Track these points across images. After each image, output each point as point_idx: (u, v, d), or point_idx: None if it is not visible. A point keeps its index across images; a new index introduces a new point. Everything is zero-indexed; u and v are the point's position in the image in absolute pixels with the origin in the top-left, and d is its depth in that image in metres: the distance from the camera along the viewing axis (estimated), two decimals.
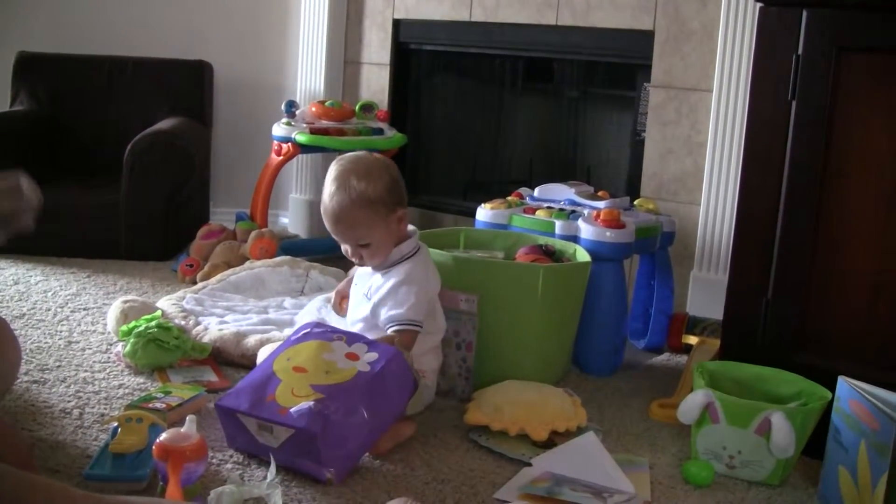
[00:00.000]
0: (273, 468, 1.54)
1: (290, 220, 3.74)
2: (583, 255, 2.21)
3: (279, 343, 1.88)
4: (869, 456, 1.52)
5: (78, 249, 3.02)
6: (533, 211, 2.41)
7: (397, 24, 3.40)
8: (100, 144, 3.43)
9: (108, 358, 2.15)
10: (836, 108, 1.78)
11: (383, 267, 1.92)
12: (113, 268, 2.94)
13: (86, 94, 3.48)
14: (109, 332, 2.30)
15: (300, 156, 3.34)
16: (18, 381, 1.91)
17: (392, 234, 1.90)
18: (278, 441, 1.60)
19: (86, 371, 2.06)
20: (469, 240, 2.40)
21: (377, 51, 3.46)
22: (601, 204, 2.41)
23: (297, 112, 3.24)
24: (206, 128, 3.52)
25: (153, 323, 2.10)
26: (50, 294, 2.62)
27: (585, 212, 2.36)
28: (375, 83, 3.48)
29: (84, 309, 2.51)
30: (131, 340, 2.07)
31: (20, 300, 2.55)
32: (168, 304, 2.40)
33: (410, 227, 1.98)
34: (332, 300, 2.12)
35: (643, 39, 2.78)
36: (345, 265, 2.81)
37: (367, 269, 1.96)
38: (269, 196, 3.19)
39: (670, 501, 1.65)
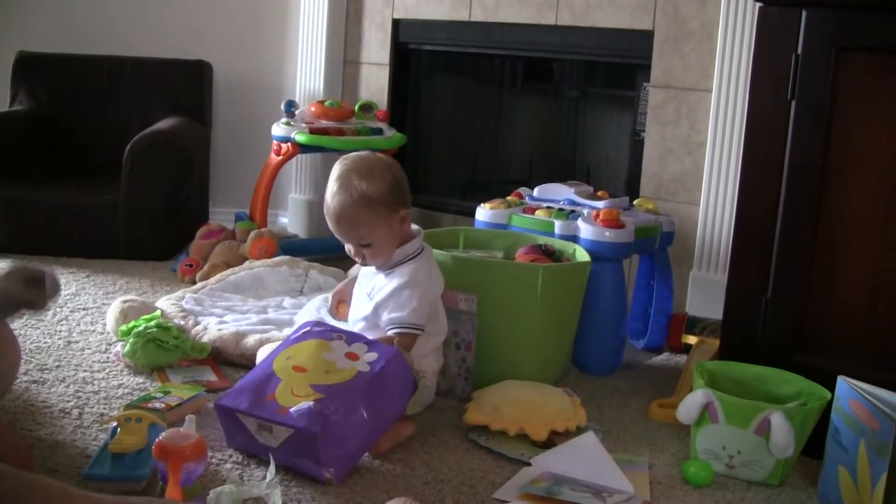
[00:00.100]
0: (272, 468, 1.54)
1: (290, 220, 3.74)
2: (582, 255, 2.21)
3: (278, 343, 1.88)
4: (868, 456, 1.52)
5: (77, 249, 3.02)
6: (532, 211, 2.41)
7: (397, 23, 3.40)
8: (99, 144, 3.43)
9: (108, 358, 2.15)
10: (836, 107, 1.78)
11: (386, 267, 1.92)
12: (112, 267, 2.94)
13: (85, 94, 3.48)
14: (109, 332, 2.30)
15: (299, 156, 3.34)
16: (18, 380, 1.91)
17: (394, 235, 1.89)
18: (278, 441, 1.60)
19: (85, 371, 2.06)
20: (468, 240, 2.40)
21: (376, 51, 3.46)
22: (600, 204, 2.41)
23: (297, 112, 3.24)
24: (205, 128, 3.52)
25: (152, 323, 2.10)
26: None
27: (585, 212, 2.36)
28: (375, 83, 3.48)
29: (83, 309, 2.51)
30: (130, 340, 2.07)
31: None
32: (167, 303, 2.40)
33: (415, 227, 1.97)
34: (329, 303, 2.12)
35: (643, 39, 2.78)
36: (344, 265, 2.82)
37: (371, 269, 1.96)
38: (268, 196, 3.19)
39: (669, 501, 1.65)
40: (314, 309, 2.27)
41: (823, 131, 1.79)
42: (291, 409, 1.58)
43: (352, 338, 1.77)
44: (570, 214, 2.35)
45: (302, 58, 3.58)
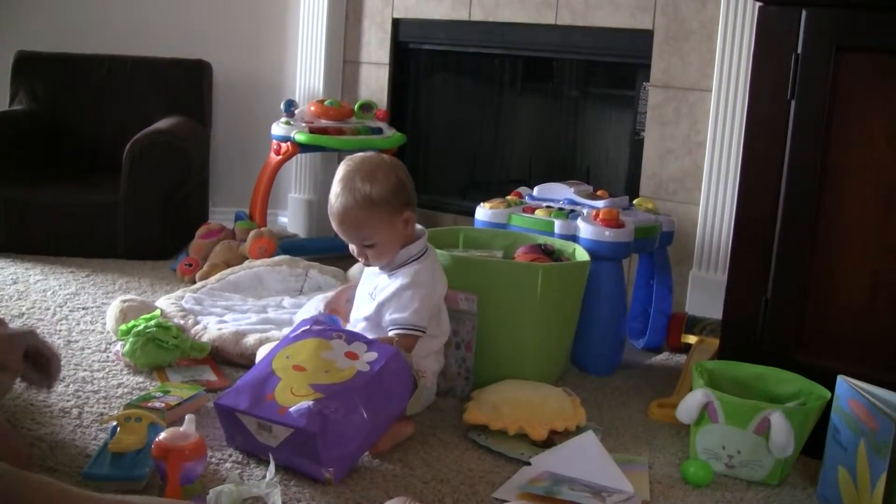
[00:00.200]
0: (272, 467, 1.54)
1: (290, 220, 3.74)
2: (582, 255, 2.21)
3: (278, 342, 1.88)
4: (868, 455, 1.52)
5: (77, 248, 3.02)
6: (532, 210, 2.41)
7: (396, 23, 3.40)
8: (99, 143, 3.43)
9: (107, 357, 2.15)
10: (836, 107, 1.78)
11: (390, 268, 1.92)
12: (112, 267, 2.94)
13: (85, 94, 3.48)
14: (108, 332, 2.30)
15: (299, 155, 3.34)
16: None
17: (398, 236, 1.89)
18: (277, 440, 1.59)
19: (85, 370, 2.06)
20: (468, 239, 2.40)
21: (376, 50, 3.46)
22: (600, 203, 2.41)
23: (297, 111, 3.24)
24: (205, 127, 3.52)
25: (152, 322, 2.10)
26: (49, 293, 2.62)
27: (584, 211, 2.36)
28: (374, 82, 3.48)
29: (83, 308, 2.50)
30: (130, 340, 2.07)
31: (19, 299, 2.54)
32: (167, 303, 2.40)
33: (419, 228, 1.97)
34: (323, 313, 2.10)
35: (642, 39, 2.78)
36: (344, 265, 2.82)
37: (375, 269, 1.96)
38: (268, 195, 3.19)
39: (669, 501, 1.65)
40: (313, 308, 2.26)
41: (823, 131, 1.79)
42: (291, 409, 1.58)
43: (351, 337, 1.76)
44: (570, 214, 2.35)
45: (302, 57, 3.58)
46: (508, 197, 2.53)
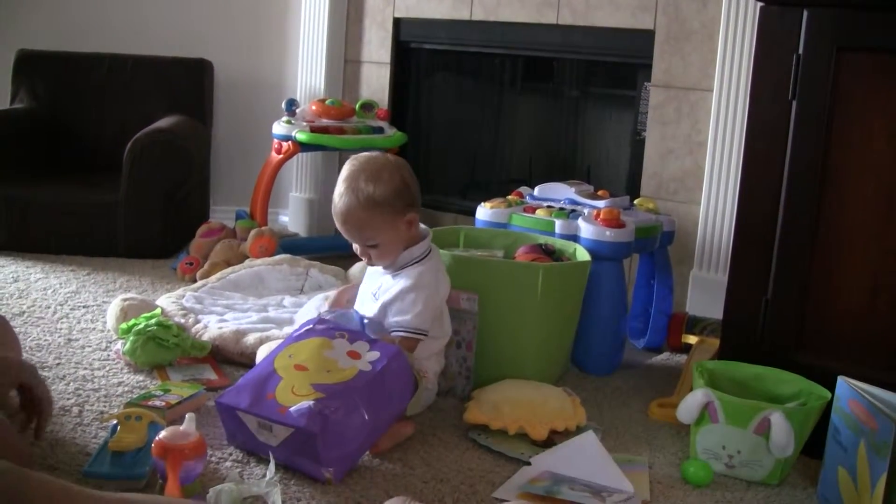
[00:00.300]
0: (272, 466, 1.54)
1: (290, 219, 3.74)
2: (582, 255, 2.21)
3: (278, 341, 1.88)
4: (868, 456, 1.52)
5: (77, 247, 3.02)
6: (533, 210, 2.41)
7: (398, 22, 3.40)
8: (99, 142, 3.43)
9: (108, 356, 2.15)
10: (837, 107, 1.78)
11: (393, 269, 1.92)
12: (112, 266, 2.94)
13: (86, 93, 3.48)
14: (109, 330, 2.30)
15: (300, 154, 3.34)
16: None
17: (400, 237, 1.89)
18: (278, 440, 1.60)
19: (85, 369, 2.06)
20: (469, 239, 2.40)
21: (377, 49, 3.46)
22: (601, 203, 2.41)
23: (298, 110, 3.24)
24: (205, 126, 3.52)
25: (153, 321, 2.10)
26: (50, 292, 2.62)
27: (585, 211, 2.36)
28: (376, 82, 3.48)
29: (84, 307, 2.51)
30: (131, 338, 2.07)
31: (20, 298, 2.55)
32: (168, 302, 2.40)
33: (424, 229, 1.97)
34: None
35: (643, 39, 2.78)
36: (345, 264, 2.82)
37: (378, 269, 1.96)
38: (268, 194, 3.19)
39: (669, 501, 1.65)
40: (314, 308, 2.26)
41: (824, 131, 1.79)
42: (291, 409, 1.58)
43: (354, 336, 1.76)
44: (571, 214, 2.35)
45: (303, 56, 3.58)
46: (509, 197, 2.53)
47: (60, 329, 2.31)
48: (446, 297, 1.96)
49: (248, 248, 2.91)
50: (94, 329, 2.33)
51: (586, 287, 2.21)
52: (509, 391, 1.90)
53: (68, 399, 1.88)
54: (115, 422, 1.63)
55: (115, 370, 2.07)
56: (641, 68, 2.86)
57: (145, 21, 3.67)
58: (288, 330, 2.13)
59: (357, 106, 3.28)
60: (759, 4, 1.85)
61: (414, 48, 3.44)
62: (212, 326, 2.24)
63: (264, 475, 1.54)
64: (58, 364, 2.07)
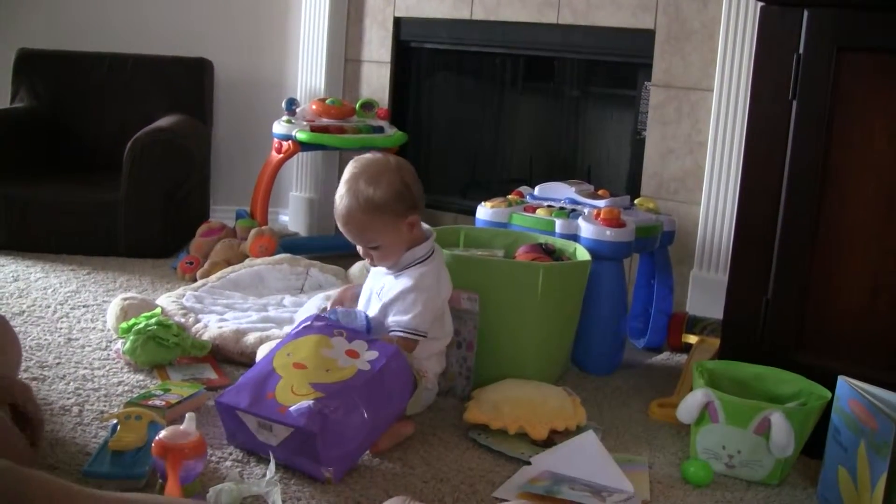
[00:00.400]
0: (272, 466, 1.54)
1: (290, 218, 3.74)
2: (583, 254, 2.21)
3: (278, 340, 1.88)
4: (868, 456, 1.52)
5: (78, 246, 3.02)
6: (533, 209, 2.41)
7: (398, 22, 3.40)
8: (100, 141, 3.43)
9: (108, 355, 2.15)
10: (837, 107, 1.78)
11: (396, 269, 1.92)
12: (113, 265, 2.94)
13: (86, 92, 3.48)
14: (109, 330, 2.30)
15: (300, 154, 3.34)
16: (18, 377, 1.91)
17: (402, 239, 1.89)
18: (277, 439, 1.60)
19: (85, 368, 2.06)
20: (469, 238, 2.40)
21: (378, 49, 3.46)
22: (601, 203, 2.41)
23: (298, 110, 3.24)
24: (206, 125, 3.52)
25: (153, 320, 2.10)
26: (50, 291, 2.62)
27: (585, 210, 2.36)
28: (376, 81, 3.48)
29: (84, 306, 2.51)
30: (131, 338, 2.07)
31: (20, 297, 2.55)
32: (168, 301, 2.40)
33: (427, 229, 1.97)
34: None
35: (644, 38, 2.78)
36: (345, 263, 2.82)
37: (382, 269, 1.96)
38: (269, 194, 3.19)
39: (669, 501, 1.65)
40: (314, 307, 2.27)
41: (824, 131, 1.79)
42: (291, 408, 1.58)
43: (353, 335, 1.76)
44: (571, 213, 2.35)
45: (303, 56, 3.58)
46: (509, 196, 2.53)
47: (60, 328, 2.31)
48: (448, 298, 1.96)
49: (248, 247, 2.91)
50: (94, 328, 2.33)
51: (586, 287, 2.21)
52: (509, 391, 1.90)
53: (68, 398, 1.88)
54: (115, 421, 1.63)
55: (115, 369, 2.07)
56: (642, 68, 2.86)
57: (145, 20, 3.67)
58: (288, 329, 2.13)
59: (357, 105, 3.28)
60: (760, 4, 1.85)
61: (414, 48, 3.44)
62: (212, 326, 2.24)
63: (264, 475, 1.54)
64: (58, 363, 2.07)
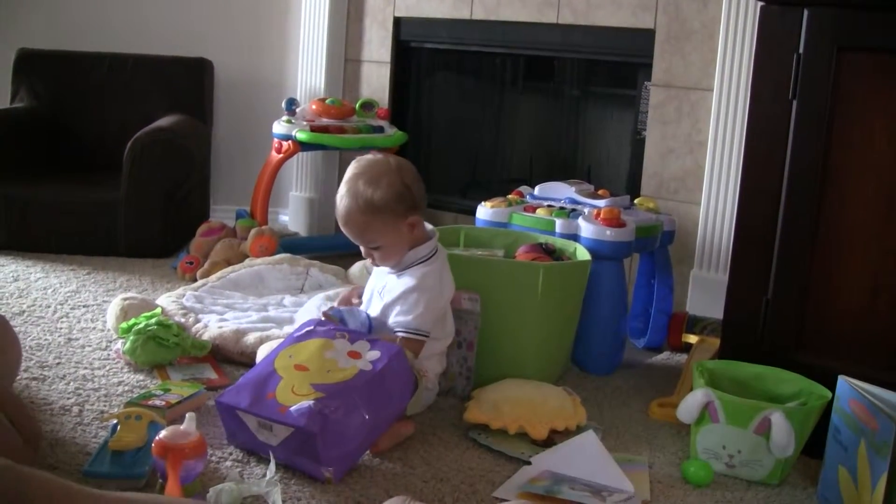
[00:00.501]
0: (272, 466, 1.54)
1: (291, 218, 3.74)
2: (583, 254, 2.21)
3: (278, 341, 1.88)
4: (868, 456, 1.52)
5: (78, 246, 3.02)
6: (533, 209, 2.41)
7: (398, 21, 3.40)
8: (100, 141, 3.43)
9: (108, 355, 2.15)
10: (837, 107, 1.78)
11: (398, 268, 1.92)
12: (113, 265, 2.94)
13: (86, 91, 3.48)
14: (109, 330, 2.30)
15: (300, 153, 3.34)
16: (18, 377, 1.91)
17: (403, 239, 1.88)
18: (278, 439, 1.60)
19: (85, 368, 2.06)
20: (469, 238, 2.40)
21: (378, 49, 3.46)
22: (601, 203, 2.41)
23: (298, 110, 3.24)
24: (206, 125, 3.52)
25: (153, 320, 2.10)
26: (50, 291, 2.62)
27: (586, 210, 2.36)
28: (376, 81, 3.48)
29: (84, 306, 2.51)
30: (131, 338, 2.07)
31: (20, 297, 2.55)
32: (168, 301, 2.40)
33: (430, 229, 1.97)
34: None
35: (644, 38, 2.78)
36: (345, 263, 2.82)
37: (384, 268, 1.96)
38: (269, 194, 3.19)
39: (669, 501, 1.65)
40: (314, 307, 2.27)
41: (824, 131, 1.79)
42: (291, 408, 1.58)
43: (355, 336, 1.76)
44: (571, 213, 2.35)
45: (303, 55, 3.58)
46: (509, 196, 2.53)
47: (60, 328, 2.31)
48: (450, 299, 1.96)
49: (248, 247, 2.91)
50: (94, 328, 2.33)
51: (587, 286, 2.21)
52: (509, 390, 1.90)
53: (68, 398, 1.88)
54: (115, 421, 1.63)
55: (115, 369, 2.07)
56: (642, 68, 2.86)
57: (146, 20, 3.67)
58: (288, 329, 2.13)
59: (357, 105, 3.28)
60: (760, 4, 1.85)
61: (414, 47, 3.44)
62: (212, 326, 2.24)
63: (264, 474, 1.54)
64: (58, 363, 2.07)
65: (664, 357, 2.47)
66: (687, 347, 2.41)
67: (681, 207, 2.73)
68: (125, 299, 2.29)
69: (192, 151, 3.20)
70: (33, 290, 2.61)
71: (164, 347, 2.06)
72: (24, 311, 2.42)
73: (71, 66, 3.49)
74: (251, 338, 2.16)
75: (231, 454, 1.68)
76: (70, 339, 2.24)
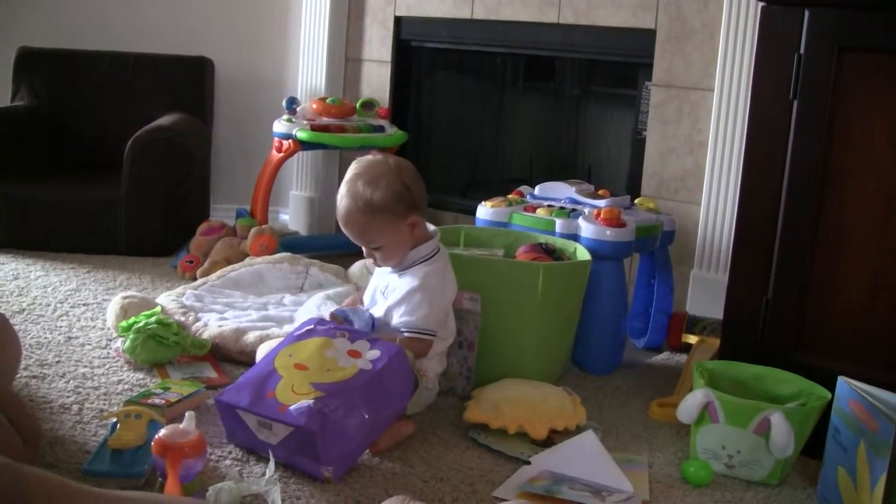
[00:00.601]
0: (272, 465, 1.54)
1: (291, 217, 3.74)
2: (583, 254, 2.21)
3: (278, 339, 1.88)
4: (868, 456, 1.52)
5: (78, 245, 3.02)
6: (533, 209, 2.41)
7: (399, 21, 3.40)
8: (100, 140, 3.43)
9: (108, 354, 2.15)
10: (838, 107, 1.78)
11: (400, 268, 1.92)
12: (113, 263, 2.94)
13: (86, 90, 3.48)
14: (109, 328, 2.30)
15: (301, 153, 3.34)
16: (18, 376, 1.91)
17: (404, 239, 1.88)
18: (277, 438, 1.60)
19: (85, 367, 2.06)
20: (469, 238, 2.40)
21: (378, 48, 3.46)
22: (601, 202, 2.41)
23: (298, 109, 3.24)
24: (206, 124, 3.52)
25: (153, 319, 2.10)
26: (50, 289, 2.62)
27: (586, 210, 2.36)
28: (376, 80, 3.48)
29: (84, 304, 2.51)
30: (131, 336, 2.07)
31: (20, 295, 2.55)
32: (168, 300, 2.40)
33: (432, 229, 1.97)
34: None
35: (644, 38, 2.78)
36: (345, 262, 2.82)
37: (386, 268, 1.96)
38: (269, 193, 3.19)
39: (669, 501, 1.65)
40: (314, 306, 2.27)
41: (825, 131, 1.79)
42: (291, 407, 1.58)
43: (355, 335, 1.76)
44: (571, 213, 2.35)
45: (304, 55, 3.58)
46: (510, 196, 2.53)
47: (60, 327, 2.31)
48: (453, 299, 1.96)
49: (248, 246, 2.91)
50: (94, 327, 2.33)
51: (587, 286, 2.21)
52: (509, 390, 1.90)
53: (68, 397, 1.88)
54: (114, 420, 1.63)
55: (114, 368, 2.07)
56: (642, 67, 2.86)
57: (146, 19, 3.67)
58: (288, 328, 2.13)
59: (358, 104, 3.28)
60: (761, 4, 1.85)
61: (415, 47, 3.44)
62: (212, 324, 2.24)
63: (264, 473, 1.54)
64: (57, 362, 2.07)
65: (664, 357, 2.47)
66: (687, 347, 2.41)
67: (681, 207, 2.73)
68: (125, 298, 2.29)
69: (193, 150, 3.20)
70: (33, 289, 2.61)
71: (163, 346, 2.06)
72: (24, 310, 2.42)
73: (71, 64, 3.49)
74: (251, 337, 2.16)
75: (230, 453, 1.68)
76: (70, 338, 2.24)
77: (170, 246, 3.12)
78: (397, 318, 1.88)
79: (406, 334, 1.85)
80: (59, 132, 3.44)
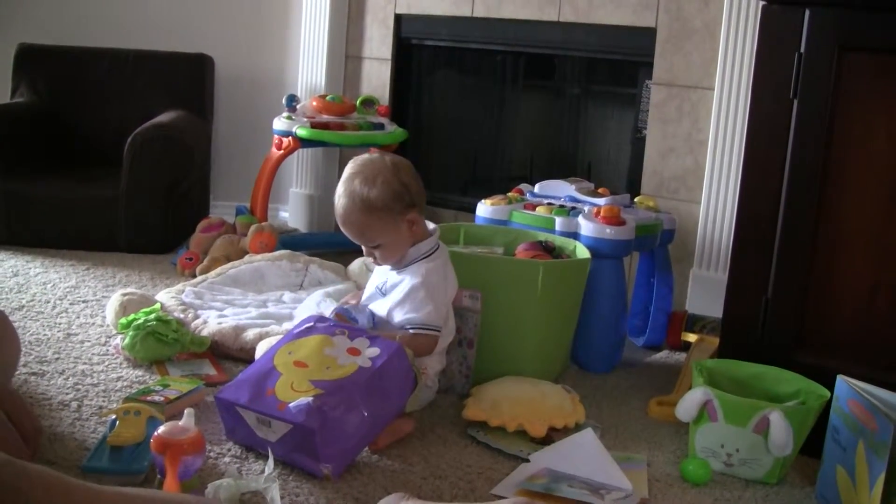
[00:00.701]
0: (271, 462, 1.54)
1: (290, 215, 3.74)
2: (582, 252, 2.21)
3: (278, 337, 1.88)
4: (867, 456, 1.52)
5: (77, 242, 3.02)
6: (533, 207, 2.41)
7: (399, 19, 3.40)
8: (100, 137, 3.43)
9: (107, 350, 2.15)
10: (838, 107, 1.78)
11: (400, 265, 1.92)
12: (112, 260, 2.94)
13: (86, 87, 3.48)
14: (108, 325, 2.30)
15: (300, 150, 3.34)
16: (17, 372, 1.91)
17: (403, 237, 1.89)
18: (276, 435, 1.60)
19: (84, 363, 2.06)
20: (469, 236, 2.40)
21: (378, 46, 3.46)
22: (601, 201, 2.41)
23: (298, 106, 3.24)
24: (206, 121, 3.52)
25: (152, 316, 2.10)
26: (49, 286, 2.62)
27: (586, 208, 2.36)
28: (376, 78, 3.48)
29: (83, 301, 2.50)
30: (130, 333, 2.07)
31: (19, 292, 2.54)
32: (167, 297, 2.40)
33: (431, 226, 1.97)
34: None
35: (645, 37, 2.78)
36: (344, 260, 2.82)
37: (386, 266, 1.96)
38: (269, 190, 3.19)
39: (668, 499, 1.65)
40: (314, 304, 2.27)
41: (825, 130, 1.79)
42: (290, 405, 1.58)
43: (354, 333, 1.76)
44: (571, 211, 2.35)
45: (304, 52, 3.58)
46: (510, 194, 2.53)
47: (60, 324, 2.31)
48: (454, 295, 1.96)
49: (247, 243, 2.91)
50: (93, 324, 2.33)
51: (586, 285, 2.21)
52: (508, 388, 1.90)
53: (67, 394, 1.88)
54: (113, 417, 1.63)
55: (114, 365, 2.07)
56: (643, 66, 2.86)
57: (146, 16, 3.67)
58: (287, 325, 2.13)
59: (358, 102, 3.28)
60: (761, 3, 1.85)
61: (415, 45, 3.44)
62: (211, 322, 2.24)
63: (263, 471, 1.54)
64: (57, 359, 2.07)
65: (663, 356, 2.47)
66: (686, 346, 2.41)
67: (681, 206, 2.73)
68: (125, 295, 2.29)
69: (193, 147, 3.20)
70: (32, 286, 2.61)
71: (163, 343, 2.06)
72: (23, 307, 2.42)
73: (71, 61, 3.49)
74: (250, 334, 2.15)
75: (230, 450, 1.68)
76: (69, 335, 2.24)
77: (169, 243, 3.11)
78: (401, 316, 1.87)
79: (412, 331, 1.85)
80: (59, 129, 3.44)
